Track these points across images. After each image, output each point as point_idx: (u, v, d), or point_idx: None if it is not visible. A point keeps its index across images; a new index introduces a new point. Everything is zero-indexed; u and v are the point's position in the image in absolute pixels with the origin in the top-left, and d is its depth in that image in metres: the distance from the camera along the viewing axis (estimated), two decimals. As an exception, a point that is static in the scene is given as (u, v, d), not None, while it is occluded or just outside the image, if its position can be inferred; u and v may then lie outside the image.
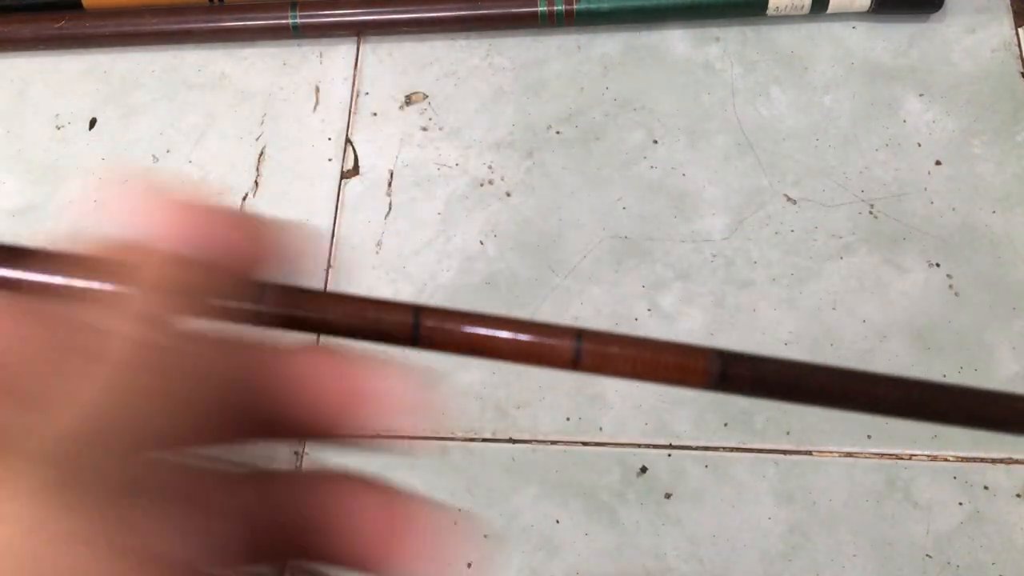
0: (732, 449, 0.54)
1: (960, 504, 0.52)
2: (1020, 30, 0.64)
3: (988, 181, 0.60)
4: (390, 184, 0.63)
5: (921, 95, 0.63)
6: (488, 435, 0.56)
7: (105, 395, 0.14)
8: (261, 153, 0.66)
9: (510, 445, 0.55)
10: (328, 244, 0.62)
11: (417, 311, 0.18)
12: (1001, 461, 0.52)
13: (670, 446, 0.54)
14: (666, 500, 0.53)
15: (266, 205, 0.63)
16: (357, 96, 0.67)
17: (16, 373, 0.15)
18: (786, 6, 0.64)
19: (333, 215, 0.63)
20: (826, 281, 0.58)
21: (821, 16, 0.65)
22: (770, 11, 0.64)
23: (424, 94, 0.66)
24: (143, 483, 0.14)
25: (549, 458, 0.55)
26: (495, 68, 0.67)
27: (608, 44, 0.67)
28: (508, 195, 0.62)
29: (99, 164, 0.67)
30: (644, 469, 0.54)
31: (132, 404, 0.14)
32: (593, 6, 0.65)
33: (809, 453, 0.54)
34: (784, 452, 0.54)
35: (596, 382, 0.56)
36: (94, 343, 0.15)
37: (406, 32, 0.68)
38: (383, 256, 0.61)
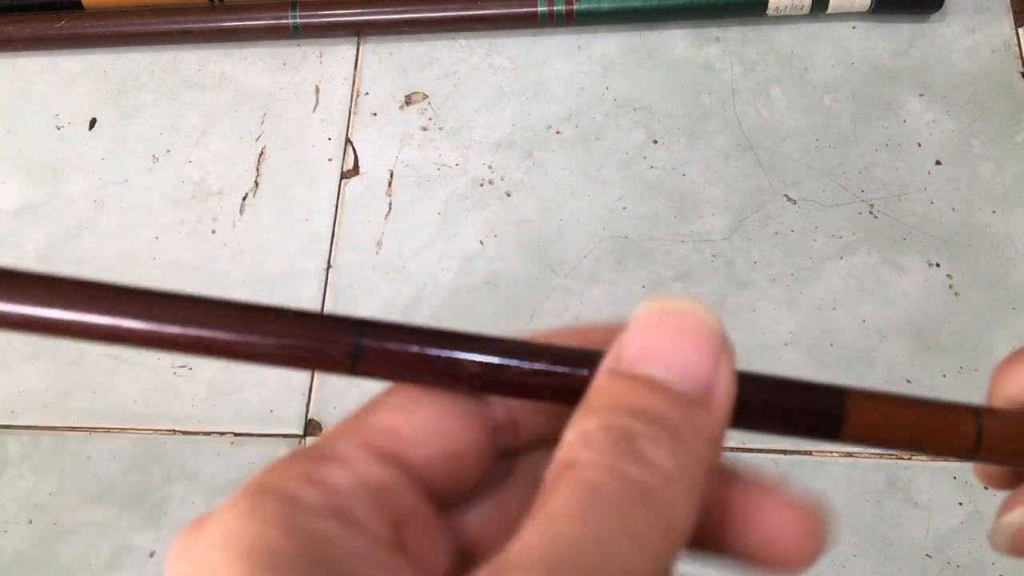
0: (732, 449, 0.54)
1: (960, 504, 0.52)
2: (1020, 30, 0.64)
3: (988, 181, 0.60)
4: (390, 184, 0.63)
5: (921, 95, 0.63)
6: (488, 435, 0.56)
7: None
8: (261, 153, 0.66)
9: (510, 445, 0.55)
10: (328, 244, 0.62)
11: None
12: (1001, 461, 0.52)
13: (670, 446, 0.54)
14: (666, 500, 0.53)
15: (266, 205, 0.63)
16: (357, 96, 0.67)
17: None
18: (786, 6, 0.64)
19: (333, 215, 0.63)
20: (826, 281, 0.58)
21: (821, 16, 0.65)
22: (770, 11, 0.64)
23: (424, 94, 0.66)
24: None
25: (549, 458, 0.55)
26: (495, 68, 0.67)
27: (608, 44, 0.67)
28: (508, 195, 0.62)
29: (99, 164, 0.67)
30: (644, 469, 0.54)
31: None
32: (593, 6, 0.65)
33: (809, 453, 0.54)
34: (784, 452, 0.54)
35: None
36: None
37: (406, 32, 0.68)
38: (383, 256, 0.61)
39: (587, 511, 0.14)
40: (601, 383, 0.16)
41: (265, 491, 0.15)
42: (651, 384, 0.16)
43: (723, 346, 0.16)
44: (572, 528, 0.14)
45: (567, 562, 0.13)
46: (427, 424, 0.17)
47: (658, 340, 0.16)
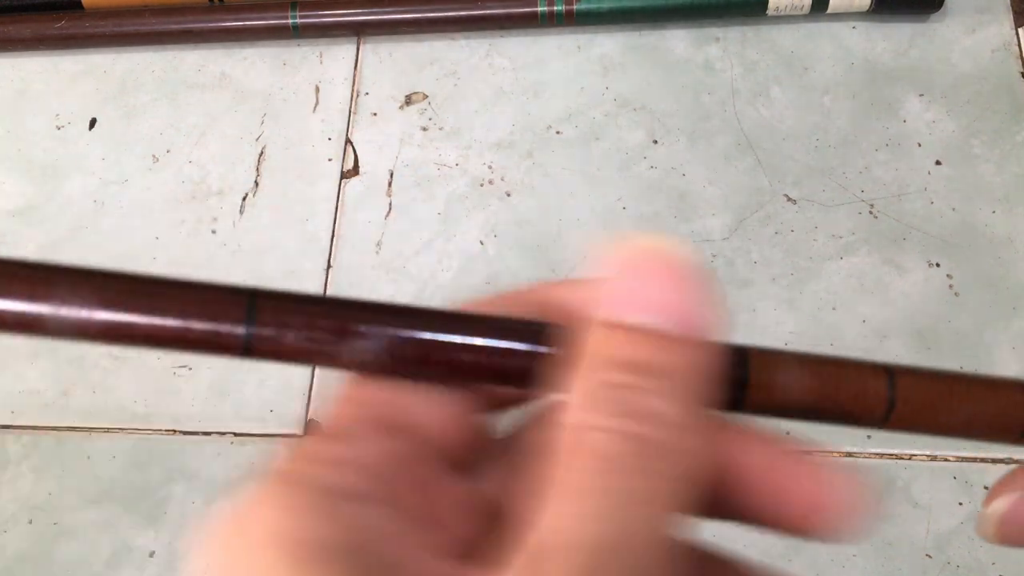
0: (732, 449, 0.54)
1: (960, 504, 0.52)
2: (1020, 30, 0.64)
3: (988, 181, 0.60)
4: (390, 184, 0.63)
5: (921, 95, 0.63)
6: (488, 435, 0.56)
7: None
8: (261, 153, 0.66)
9: (510, 445, 0.55)
10: (328, 244, 0.62)
11: (891, 373, 0.17)
12: (1001, 461, 0.52)
13: (670, 446, 0.54)
14: (666, 500, 0.53)
15: (266, 205, 0.63)
16: (357, 96, 0.67)
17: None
18: (786, 6, 0.64)
19: (333, 215, 0.63)
20: (826, 281, 0.58)
21: (821, 16, 0.65)
22: (770, 11, 0.64)
23: (424, 94, 0.66)
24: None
25: (549, 458, 0.55)
26: (495, 68, 0.67)
27: (608, 44, 0.67)
28: (508, 195, 0.62)
29: (99, 164, 0.67)
30: (644, 469, 0.54)
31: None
32: (593, 6, 0.65)
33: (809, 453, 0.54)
34: (784, 452, 0.54)
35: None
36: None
37: (406, 32, 0.68)
38: (383, 256, 0.61)
39: (607, 482, 0.14)
40: (591, 338, 0.15)
41: (295, 481, 0.15)
42: (643, 333, 0.15)
43: (703, 280, 0.16)
44: (597, 502, 0.14)
45: (601, 537, 0.13)
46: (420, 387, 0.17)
47: (642, 286, 0.15)
